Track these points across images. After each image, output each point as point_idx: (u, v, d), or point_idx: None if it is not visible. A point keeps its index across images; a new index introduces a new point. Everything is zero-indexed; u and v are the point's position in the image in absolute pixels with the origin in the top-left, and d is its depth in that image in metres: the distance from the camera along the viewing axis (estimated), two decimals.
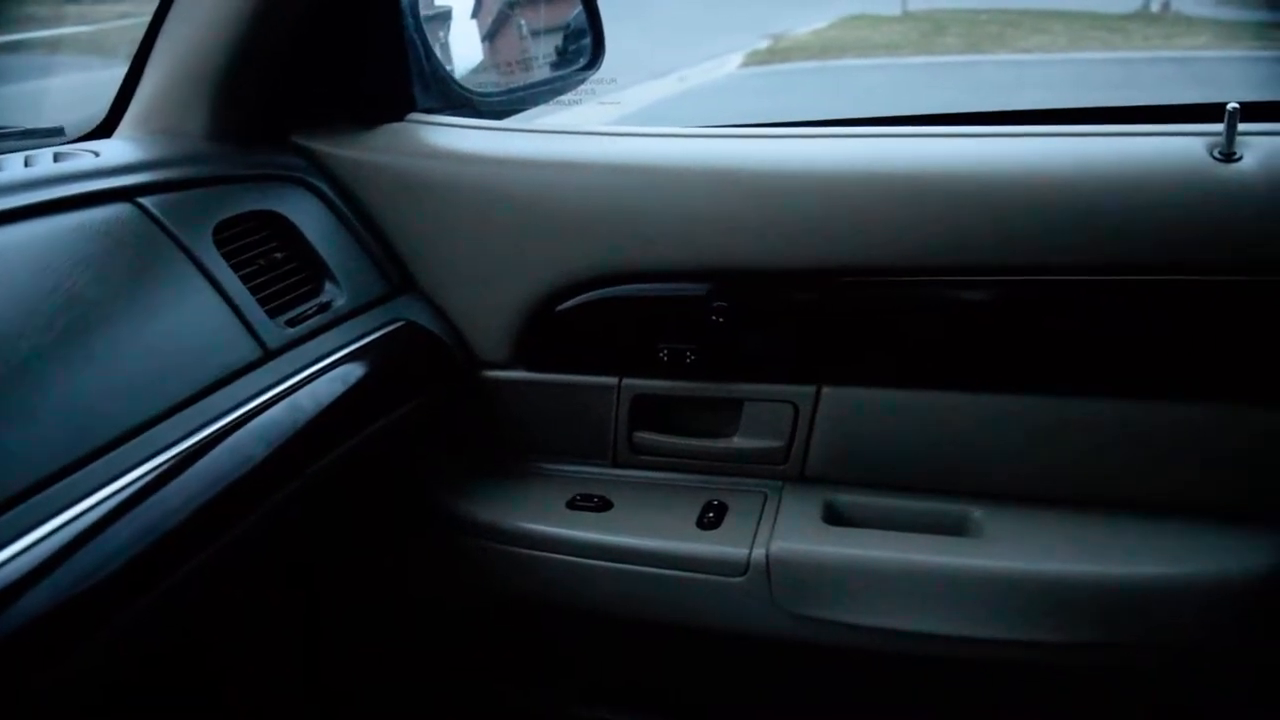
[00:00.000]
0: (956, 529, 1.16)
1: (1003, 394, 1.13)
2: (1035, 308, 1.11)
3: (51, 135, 1.20)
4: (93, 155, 1.05)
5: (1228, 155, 1.04)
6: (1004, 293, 1.11)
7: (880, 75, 8.02)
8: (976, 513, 1.16)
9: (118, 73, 1.24)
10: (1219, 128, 1.05)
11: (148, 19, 1.20)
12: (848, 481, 1.22)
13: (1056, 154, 1.09)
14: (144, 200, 1.00)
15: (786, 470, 1.23)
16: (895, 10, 10.19)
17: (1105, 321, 1.10)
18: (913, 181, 1.10)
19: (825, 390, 1.18)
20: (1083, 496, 1.14)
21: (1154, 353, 1.10)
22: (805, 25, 9.69)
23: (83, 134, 1.20)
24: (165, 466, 0.82)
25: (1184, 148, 1.06)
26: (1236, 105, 1.03)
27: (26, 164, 1.00)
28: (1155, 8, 9.55)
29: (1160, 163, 1.06)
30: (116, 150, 1.10)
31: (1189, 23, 9.03)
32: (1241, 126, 1.04)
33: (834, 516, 1.19)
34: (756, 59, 8.79)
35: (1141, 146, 1.08)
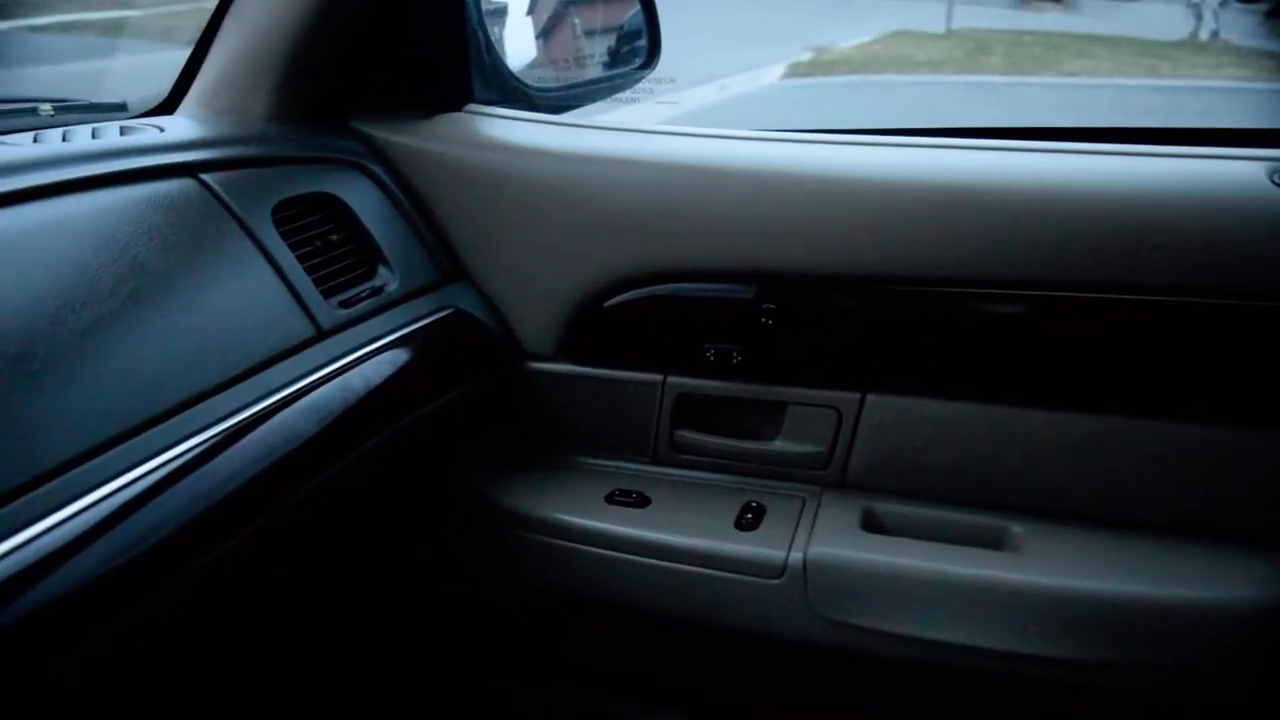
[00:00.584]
0: (995, 543, 1.15)
1: (1048, 410, 1.13)
2: (1084, 325, 1.10)
3: (115, 110, 1.21)
4: (157, 130, 1.06)
5: None
6: (1053, 309, 1.10)
7: (922, 92, 8.01)
8: (1016, 527, 1.15)
9: (164, 55, 1.25)
10: (1278, 153, 1.04)
11: (194, 6, 1.22)
12: (888, 490, 1.21)
13: (1113, 172, 1.08)
14: (206, 177, 1.01)
15: (827, 476, 1.23)
16: (939, 28, 10.18)
17: (1155, 342, 1.09)
18: (966, 194, 1.09)
19: (870, 398, 1.18)
20: (1125, 516, 1.14)
21: (1202, 376, 1.09)
22: (848, 39, 9.69)
23: (146, 110, 1.22)
24: (218, 438, 0.83)
25: (1242, 171, 1.06)
26: None
27: (94, 136, 1.01)
28: (1204, 36, 9.49)
29: (1217, 185, 1.05)
30: (180, 127, 1.11)
31: (1238, 53, 8.97)
32: None
33: (873, 524, 1.19)
34: (798, 70, 8.79)
35: (1199, 168, 1.07)
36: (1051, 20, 10.75)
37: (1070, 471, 1.14)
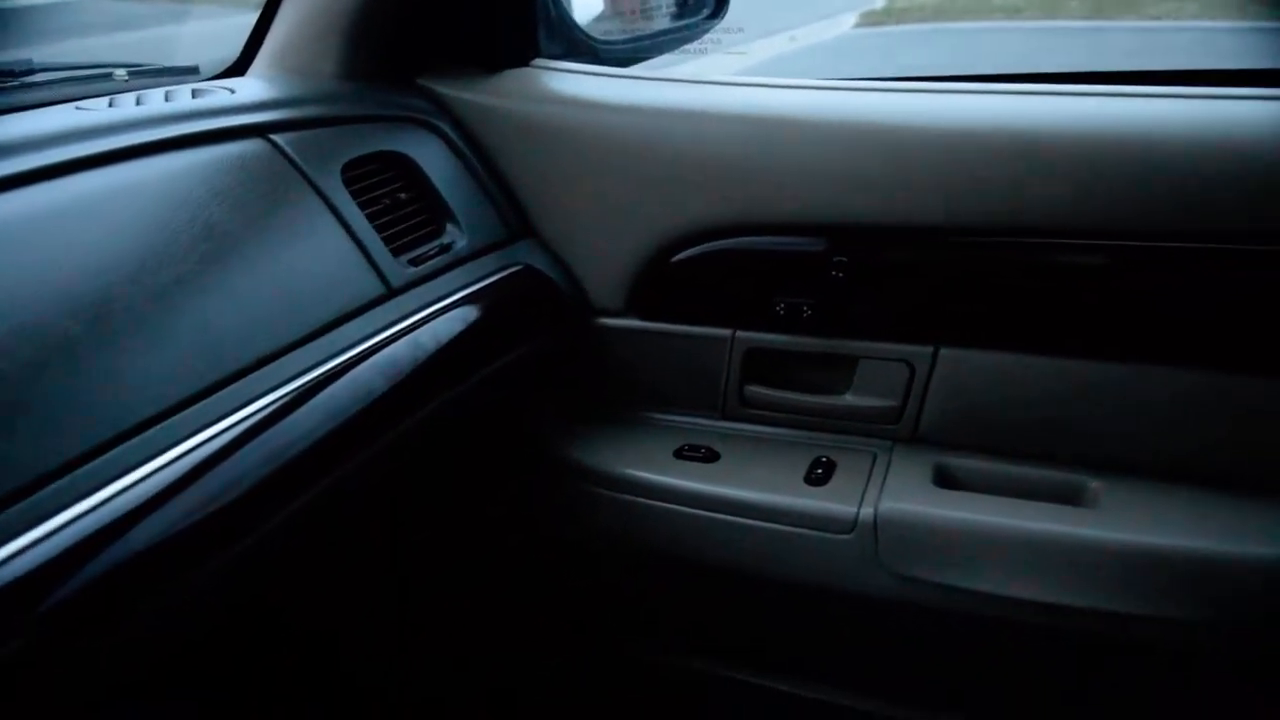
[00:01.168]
0: (1071, 498, 1.13)
1: (1124, 364, 1.10)
2: (1162, 276, 1.06)
3: (187, 73, 1.23)
4: (228, 92, 1.07)
5: None
6: (1131, 259, 1.07)
7: (1001, 39, 7.79)
8: (1093, 483, 1.13)
9: (234, 20, 1.27)
10: None
11: None
12: (960, 445, 1.19)
13: (1195, 116, 1.04)
14: (277, 137, 1.03)
15: (898, 431, 1.22)
16: None
17: (1236, 295, 1.05)
18: (1041, 141, 1.06)
19: (943, 352, 1.16)
20: (1205, 472, 1.10)
21: None
22: None
23: (217, 73, 1.24)
24: (291, 396, 0.84)
25: None
26: None
27: (167, 99, 1.03)
28: None
29: None
30: (251, 88, 1.12)
31: None
32: None
33: (945, 479, 1.17)
34: (871, 19, 8.61)
35: None
36: None
37: (1148, 426, 1.11)
